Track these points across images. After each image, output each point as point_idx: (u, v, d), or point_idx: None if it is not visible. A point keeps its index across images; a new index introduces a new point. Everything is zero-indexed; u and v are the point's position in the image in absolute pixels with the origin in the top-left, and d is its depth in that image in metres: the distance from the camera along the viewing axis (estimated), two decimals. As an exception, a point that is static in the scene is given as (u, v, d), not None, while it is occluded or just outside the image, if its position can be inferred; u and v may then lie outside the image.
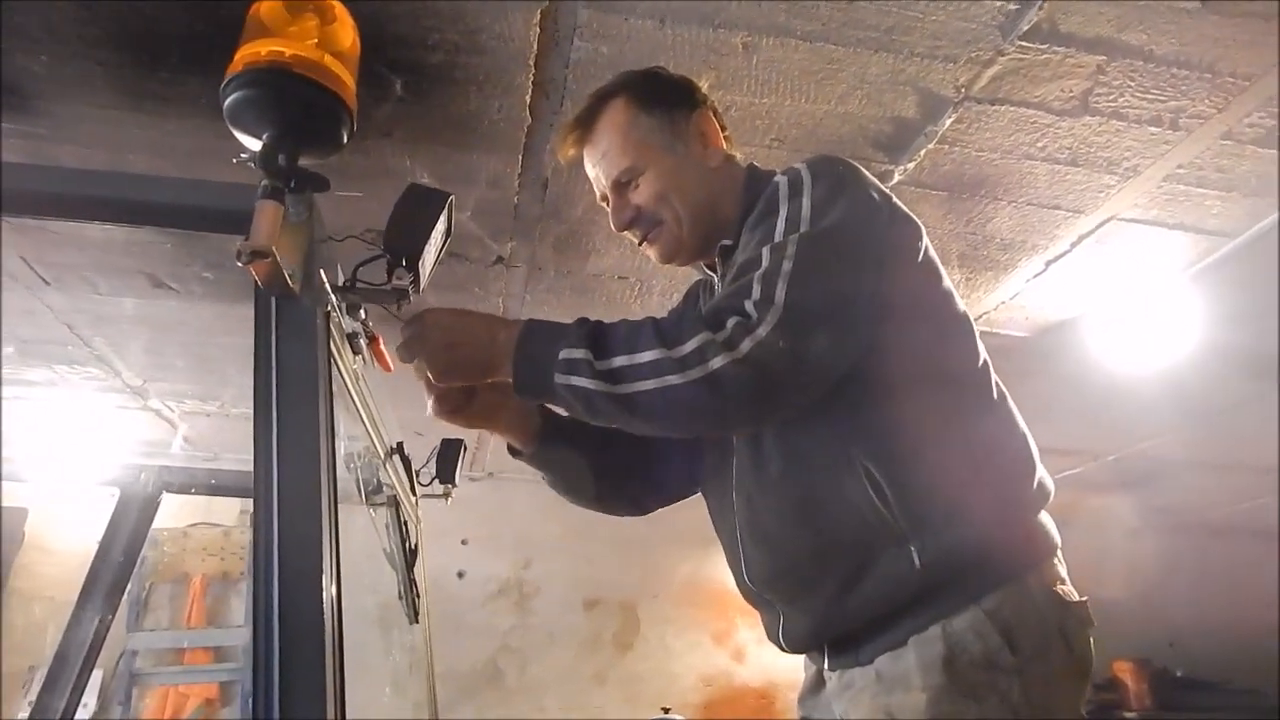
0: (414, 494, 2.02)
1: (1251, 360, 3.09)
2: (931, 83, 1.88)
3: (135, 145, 2.04)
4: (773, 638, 1.26)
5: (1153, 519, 5.47)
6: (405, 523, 1.98)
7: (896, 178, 2.19)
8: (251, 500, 0.91)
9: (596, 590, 5.04)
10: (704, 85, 1.36)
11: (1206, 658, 4.95)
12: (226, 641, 4.30)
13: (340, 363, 1.16)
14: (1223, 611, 5.04)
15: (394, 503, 1.87)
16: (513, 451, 1.36)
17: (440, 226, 1.13)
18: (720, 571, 4.55)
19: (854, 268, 1.07)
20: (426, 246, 1.10)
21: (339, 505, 0.97)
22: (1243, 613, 4.95)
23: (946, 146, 2.09)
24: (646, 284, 2.80)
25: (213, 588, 4.43)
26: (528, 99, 1.91)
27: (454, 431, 1.86)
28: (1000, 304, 2.87)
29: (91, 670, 2.20)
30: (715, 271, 1.31)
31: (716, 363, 0.98)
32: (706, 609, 5.06)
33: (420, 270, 1.10)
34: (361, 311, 1.20)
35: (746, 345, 0.99)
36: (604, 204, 1.32)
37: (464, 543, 4.94)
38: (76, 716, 2.19)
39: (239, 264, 0.86)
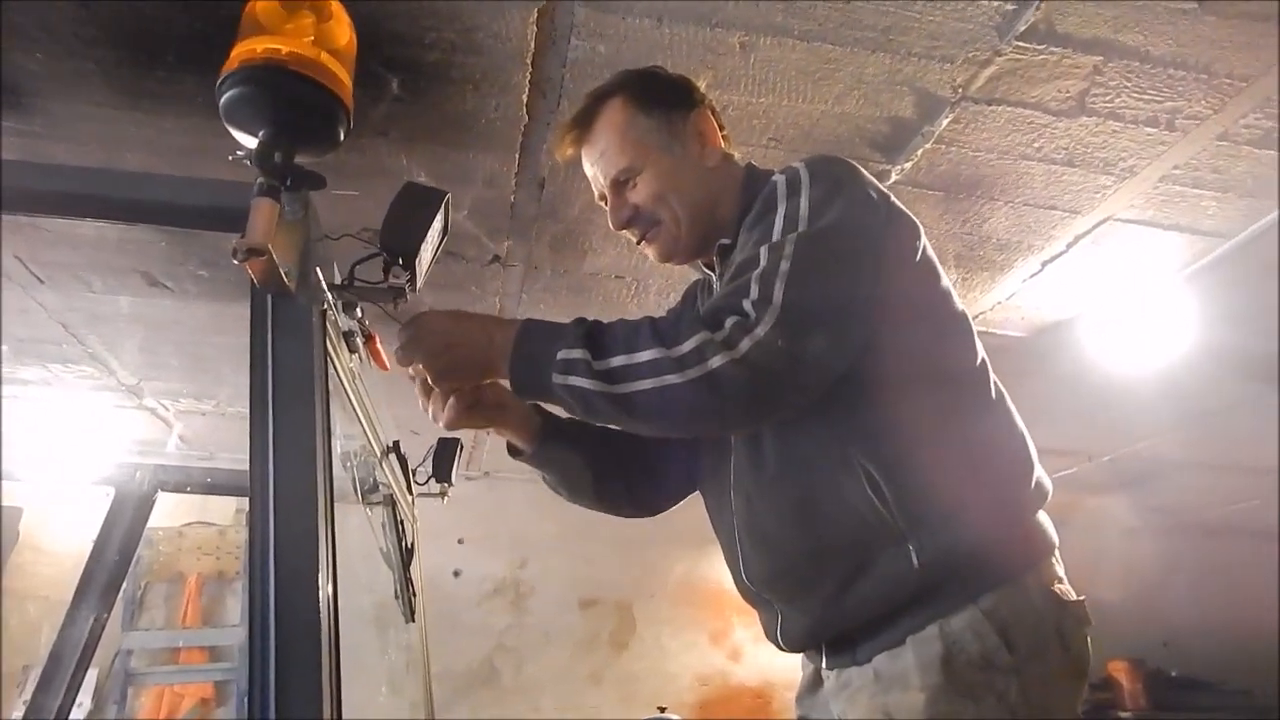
0: (410, 493, 2.02)
1: (1247, 361, 3.10)
2: (928, 83, 1.88)
3: (131, 143, 2.03)
4: (771, 637, 1.26)
5: (1148, 519, 5.48)
6: (401, 522, 1.98)
7: (893, 178, 2.19)
8: (247, 499, 0.91)
9: (593, 590, 5.04)
10: (701, 85, 1.36)
11: (1201, 658, 4.96)
12: (222, 641, 4.29)
13: (336, 361, 1.15)
14: (1218, 612, 5.05)
15: (390, 502, 1.87)
16: (512, 451, 1.35)
17: (437, 225, 1.13)
18: (716, 571, 4.57)
19: (852, 267, 1.07)
20: (423, 245, 1.09)
21: (335, 504, 0.97)
22: (1238, 613, 4.96)
23: (943, 147, 2.09)
24: (643, 283, 2.79)
25: (208, 587, 4.43)
26: (524, 98, 1.91)
27: (451, 430, 1.86)
28: (996, 304, 2.88)
29: (86, 670, 2.20)
30: (713, 271, 1.31)
31: (715, 362, 0.98)
32: (703, 609, 5.06)
33: (417, 269, 1.10)
34: (358, 310, 1.20)
35: (745, 345, 0.98)
36: (602, 203, 1.31)
37: (460, 542, 4.94)
38: (71, 716, 2.18)
39: (235, 262, 0.86)
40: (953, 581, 1.06)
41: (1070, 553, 1.17)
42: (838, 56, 1.81)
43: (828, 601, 1.13)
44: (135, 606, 4.25)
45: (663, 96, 1.29)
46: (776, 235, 1.08)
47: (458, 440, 2.00)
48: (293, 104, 0.95)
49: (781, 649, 1.25)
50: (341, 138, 1.02)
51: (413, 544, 2.07)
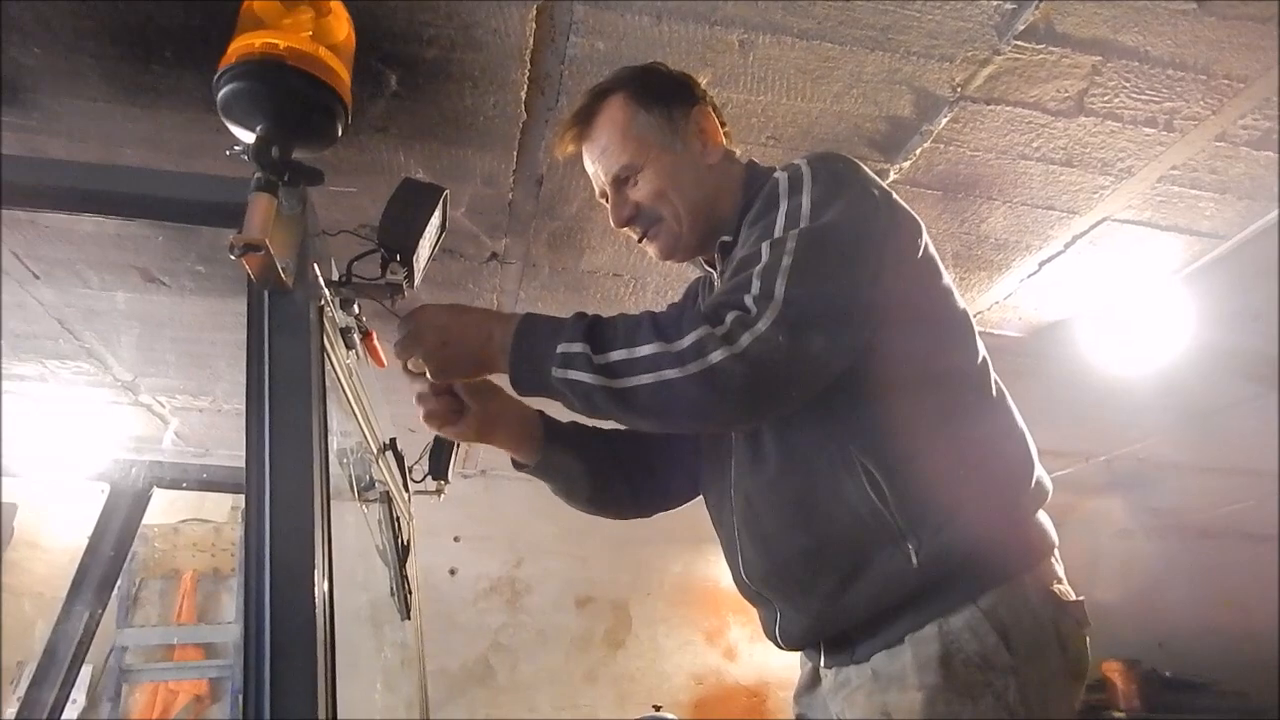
0: (406, 490, 2.01)
1: (1244, 362, 3.11)
2: (927, 82, 1.88)
3: (128, 139, 2.02)
4: (769, 635, 1.26)
5: (1144, 520, 5.49)
6: (397, 519, 1.97)
7: (891, 177, 2.19)
8: (243, 496, 0.91)
9: (588, 588, 5.04)
10: (701, 82, 1.36)
11: (1196, 659, 4.97)
12: (217, 638, 4.28)
13: (333, 357, 1.15)
14: (1213, 613, 5.06)
15: (386, 499, 1.87)
16: (517, 464, 1.35)
17: (435, 221, 1.13)
18: (712, 570, 4.57)
19: (853, 264, 1.07)
20: (421, 241, 1.09)
21: (331, 501, 0.97)
22: (1233, 615, 4.97)
23: (942, 146, 2.09)
24: (641, 281, 2.79)
25: (203, 584, 4.42)
26: (523, 95, 1.91)
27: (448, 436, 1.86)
28: (994, 304, 2.88)
29: (81, 666, 2.19)
30: (715, 268, 1.31)
31: (715, 357, 0.98)
32: (698, 608, 5.06)
33: (414, 265, 1.10)
34: (355, 306, 1.20)
35: (745, 340, 0.98)
36: (603, 200, 1.31)
37: (456, 540, 4.93)
38: (66, 712, 2.17)
39: (232, 257, 0.85)
40: (951, 581, 1.06)
41: (1066, 553, 1.17)
42: (836, 55, 1.81)
43: (826, 600, 1.13)
44: (130, 603, 4.24)
45: (663, 93, 1.29)
46: (778, 231, 1.07)
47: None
48: (290, 99, 0.94)
49: (780, 647, 1.25)
50: (339, 133, 1.01)
51: (409, 541, 2.07)
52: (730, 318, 1.00)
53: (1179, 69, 1.83)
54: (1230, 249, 2.47)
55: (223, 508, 4.44)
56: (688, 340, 0.99)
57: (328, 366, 1.05)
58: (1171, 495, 4.98)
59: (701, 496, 1.38)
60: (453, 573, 4.91)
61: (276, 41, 0.93)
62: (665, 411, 1.03)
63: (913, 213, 1.19)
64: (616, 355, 1.01)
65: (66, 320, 3.01)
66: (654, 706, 4.49)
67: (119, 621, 4.10)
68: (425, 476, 1.96)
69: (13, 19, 1.66)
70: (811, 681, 1.26)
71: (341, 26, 1.03)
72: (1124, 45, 1.77)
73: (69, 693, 2.16)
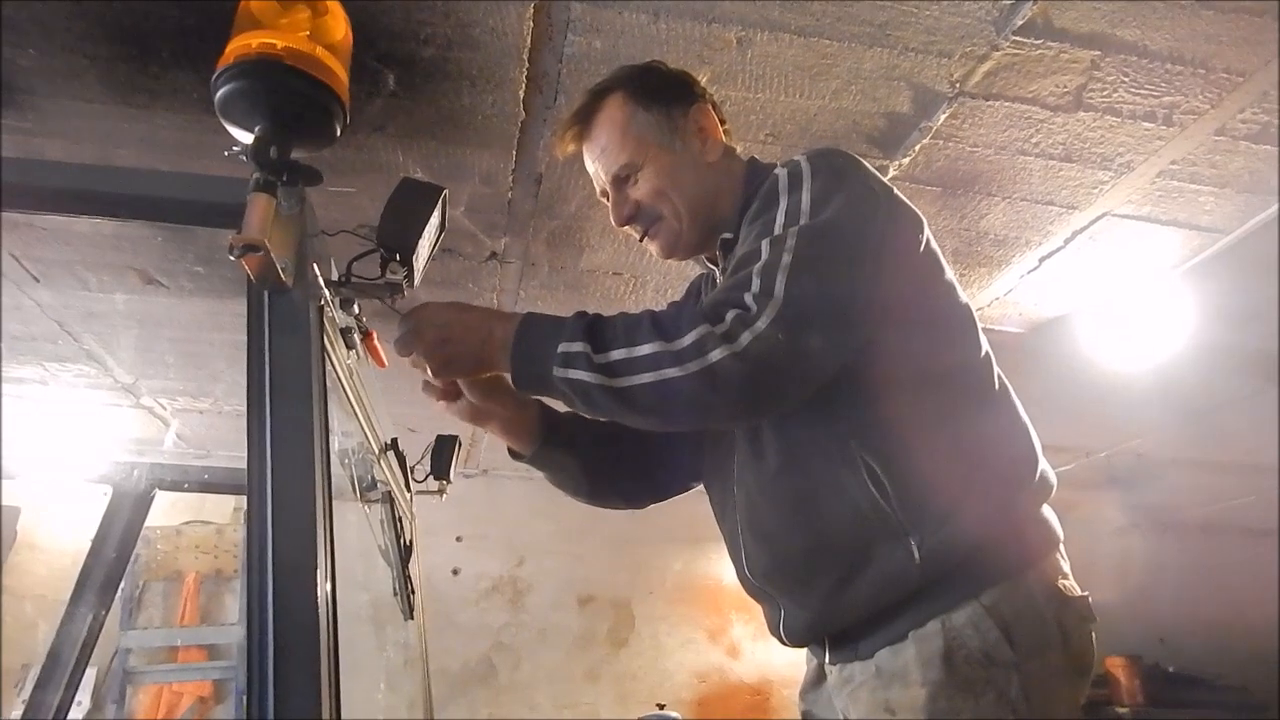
0: (408, 490, 2.01)
1: (1244, 358, 3.10)
2: (926, 78, 1.88)
3: (125, 140, 2.02)
4: (774, 631, 1.26)
5: (1144, 516, 5.49)
6: (399, 519, 1.97)
7: (891, 173, 2.19)
8: (245, 497, 0.90)
9: (590, 587, 5.04)
10: (700, 80, 1.36)
11: (1198, 654, 4.97)
12: (220, 639, 4.29)
13: (334, 357, 1.15)
14: (1215, 608, 5.06)
15: (388, 499, 1.87)
16: (513, 454, 1.35)
17: (434, 221, 1.12)
18: (715, 568, 4.57)
19: (853, 261, 1.07)
20: (420, 241, 1.09)
21: (333, 501, 0.97)
22: (1234, 610, 4.97)
23: (941, 142, 2.09)
24: (640, 279, 2.79)
25: (206, 586, 4.43)
26: (521, 94, 1.91)
27: (448, 427, 1.86)
28: (994, 300, 2.88)
29: (85, 668, 2.19)
30: (716, 265, 1.31)
31: (715, 355, 0.98)
32: (700, 606, 5.06)
33: (414, 264, 1.09)
34: (355, 306, 1.19)
35: (745, 338, 0.98)
36: (603, 199, 1.31)
37: (458, 540, 4.94)
38: (71, 714, 2.18)
39: (231, 257, 0.85)
40: (954, 577, 1.06)
41: (1067, 549, 1.17)
42: (834, 52, 1.80)
43: (829, 596, 1.13)
44: (133, 605, 4.25)
45: (663, 91, 1.29)
46: (778, 229, 1.07)
47: (456, 437, 1.99)
48: (288, 99, 0.94)
49: (784, 643, 1.25)
50: (338, 133, 1.01)
51: (411, 541, 2.07)
52: (730, 316, 1.00)
53: (1178, 63, 1.82)
54: (1230, 244, 2.47)
55: (224, 509, 4.44)
56: (688, 339, 0.99)
57: (328, 366, 1.05)
58: (1172, 491, 4.98)
59: (703, 491, 1.38)
60: (455, 572, 4.91)
61: (274, 41, 0.93)
62: (665, 410, 1.03)
63: (914, 208, 1.19)
64: (616, 354, 1.01)
65: (66, 322, 3.01)
66: (657, 705, 4.49)
67: (123, 624, 4.11)
68: (427, 476, 1.96)
69: (9, 20, 1.66)
70: (817, 678, 1.26)
71: (339, 26, 1.03)
72: (1122, 40, 1.77)
73: (73, 695, 2.16)
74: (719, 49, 1.79)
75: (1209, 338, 2.87)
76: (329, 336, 1.09)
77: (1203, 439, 4.04)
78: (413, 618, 2.13)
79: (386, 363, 1.34)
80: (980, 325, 1.21)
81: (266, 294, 0.96)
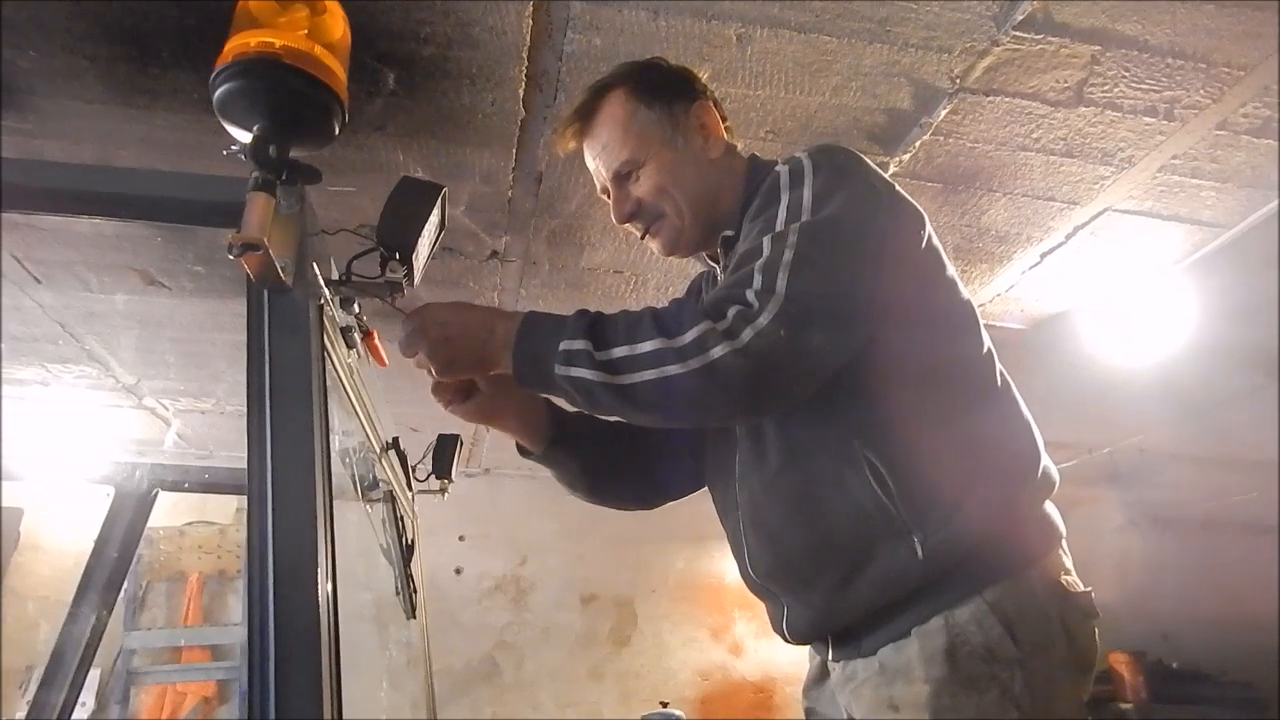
0: (410, 489, 2.01)
1: (1246, 353, 3.10)
2: (926, 74, 1.87)
3: (125, 140, 2.02)
4: (777, 629, 1.26)
5: (1146, 512, 5.48)
6: (401, 518, 1.98)
7: (891, 170, 2.19)
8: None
9: (593, 586, 5.04)
10: (701, 77, 1.36)
11: (1202, 650, 4.96)
12: (223, 640, 4.30)
13: (334, 357, 1.15)
14: (1218, 605, 5.05)
15: (390, 498, 1.87)
16: (522, 451, 1.35)
17: (434, 219, 1.12)
18: (717, 566, 4.56)
19: (855, 257, 1.07)
20: (420, 239, 1.09)
21: (335, 500, 0.97)
22: (1238, 606, 4.97)
23: (941, 138, 2.08)
24: (641, 278, 2.79)
25: (209, 586, 4.43)
26: (521, 92, 1.90)
27: (450, 427, 1.86)
28: (996, 296, 2.87)
29: (88, 668, 2.19)
30: (717, 263, 1.31)
31: (717, 352, 0.98)
32: (703, 604, 5.06)
33: (414, 263, 1.09)
34: (355, 306, 1.19)
35: (747, 335, 0.98)
36: (604, 197, 1.31)
37: (461, 539, 4.94)
38: (74, 714, 2.18)
39: (231, 257, 0.85)
40: (957, 573, 1.06)
41: (1070, 545, 1.17)
42: (834, 48, 1.80)
43: (832, 594, 1.13)
44: (137, 606, 4.25)
45: (664, 88, 1.29)
46: (780, 225, 1.07)
47: (457, 437, 2.00)
48: (287, 98, 0.94)
49: (787, 641, 1.25)
50: (336, 132, 1.01)
51: (413, 540, 2.07)
52: (732, 313, 1.00)
53: (1179, 57, 1.82)
54: (1232, 238, 2.46)
55: (227, 509, 4.45)
56: (689, 336, 0.99)
57: (328, 366, 1.05)
58: (1174, 487, 4.97)
59: (706, 490, 1.38)
60: (458, 571, 4.92)
61: (272, 40, 0.93)
62: (667, 407, 1.03)
63: (915, 204, 1.19)
64: (619, 352, 1.01)
65: (67, 323, 3.01)
66: (660, 703, 4.49)
67: (126, 624, 4.11)
68: (429, 476, 1.96)
69: (9, 21, 1.66)
70: (820, 675, 1.26)
71: (337, 25, 1.03)
72: (1123, 34, 1.76)
73: (77, 695, 2.17)
74: (719, 46, 1.79)
75: (1211, 333, 2.87)
76: (329, 336, 1.09)
77: (1205, 435, 4.04)
78: (415, 617, 2.13)
79: (387, 361, 1.35)
80: (982, 322, 1.21)
81: (266, 293, 0.96)
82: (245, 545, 0.88)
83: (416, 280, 1.13)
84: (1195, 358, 3.04)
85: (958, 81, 1.89)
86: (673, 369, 0.99)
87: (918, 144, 2.10)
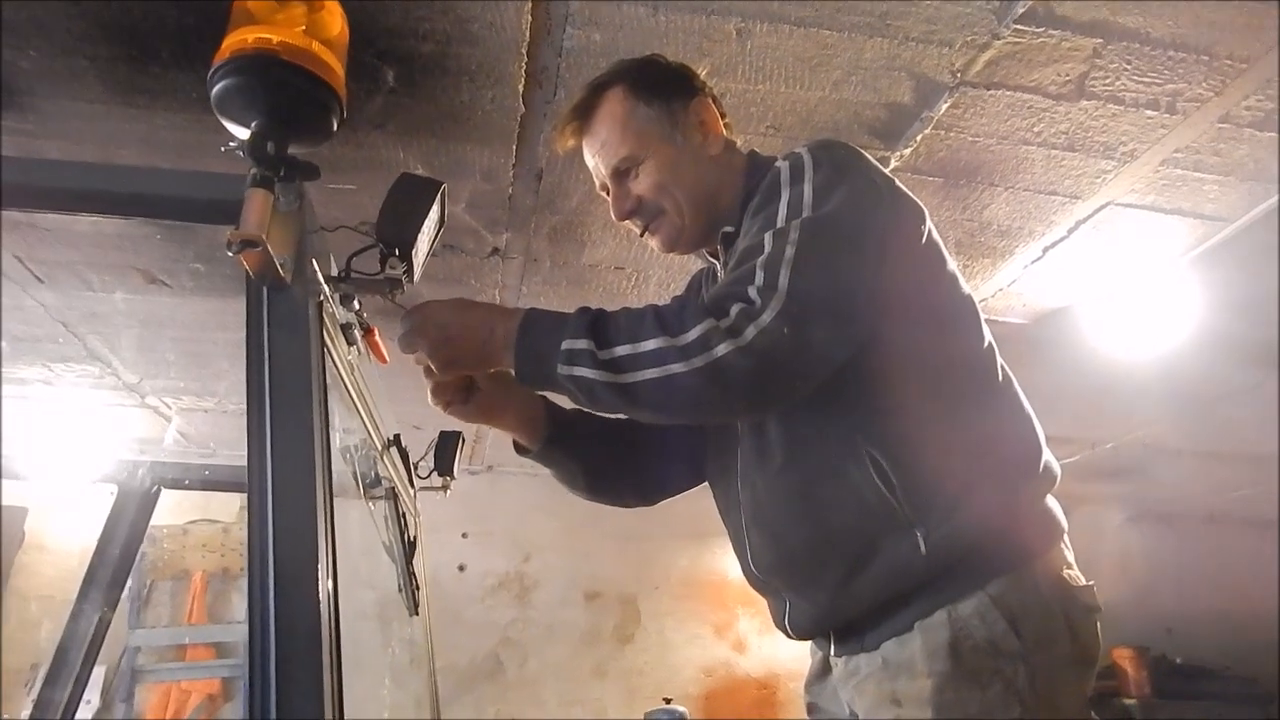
0: (412, 486, 2.01)
1: (1249, 347, 3.09)
2: (927, 68, 1.87)
3: (126, 140, 2.02)
4: (779, 625, 1.26)
5: (1150, 507, 5.47)
6: (404, 515, 1.98)
7: (892, 164, 2.18)
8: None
9: (596, 583, 5.04)
10: (699, 73, 1.36)
11: (1205, 645, 4.96)
12: (227, 638, 4.30)
13: (334, 354, 1.15)
14: (1221, 599, 5.06)
15: (392, 495, 1.87)
16: (519, 449, 1.35)
17: (433, 215, 1.12)
18: (720, 563, 4.56)
19: (857, 252, 1.06)
20: (419, 235, 1.09)
21: (335, 498, 0.97)
22: (1241, 601, 4.97)
23: (942, 132, 2.08)
24: (643, 274, 2.79)
25: (213, 584, 4.44)
26: (520, 89, 1.90)
27: (452, 424, 1.86)
28: (998, 291, 2.87)
29: (93, 666, 2.20)
30: (718, 259, 1.31)
31: (720, 350, 0.98)
32: (707, 601, 5.06)
33: (414, 259, 1.09)
34: (356, 303, 1.19)
35: (751, 332, 0.98)
36: (604, 194, 1.31)
37: (464, 536, 4.95)
38: (80, 713, 2.19)
39: (230, 253, 0.85)
40: (960, 568, 1.06)
41: (1073, 540, 1.17)
42: (835, 42, 1.79)
43: (835, 589, 1.13)
44: (141, 604, 4.26)
45: (663, 85, 1.29)
46: (781, 221, 1.07)
47: (459, 434, 1.99)
48: (284, 94, 0.94)
49: (789, 637, 1.25)
50: (335, 128, 1.01)
51: (415, 537, 2.07)
52: (734, 310, 1.00)
53: (1181, 50, 1.81)
54: (1235, 232, 2.45)
55: (230, 508, 4.45)
56: (692, 334, 0.99)
57: (328, 363, 1.05)
58: (1178, 482, 4.96)
59: (707, 487, 1.38)
60: (461, 569, 4.92)
61: (270, 36, 0.93)
62: (670, 405, 1.03)
63: (916, 199, 1.19)
64: (621, 350, 1.01)
65: (70, 323, 3.02)
66: (664, 699, 4.49)
67: (131, 622, 4.12)
68: (431, 473, 1.96)
69: (8, 21, 1.66)
70: (822, 671, 1.26)
71: (335, 21, 1.03)
72: (1124, 27, 1.75)
73: (81, 693, 2.17)
74: (718, 41, 1.78)
75: (1214, 327, 2.86)
76: (329, 333, 1.09)
77: (1208, 429, 4.03)
78: (418, 614, 2.13)
79: (388, 359, 1.35)
80: (983, 316, 1.21)
81: (265, 290, 0.95)
82: (245, 543, 0.88)
83: (416, 276, 1.13)
84: (1198, 352, 3.03)
85: (959, 75, 1.89)
86: (676, 367, 0.98)
87: (919, 138, 2.09)
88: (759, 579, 1.24)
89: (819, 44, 1.80)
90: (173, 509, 4.26)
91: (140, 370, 3.50)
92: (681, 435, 1.36)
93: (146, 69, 1.80)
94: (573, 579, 5.02)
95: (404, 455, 1.88)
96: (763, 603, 1.30)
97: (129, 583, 2.99)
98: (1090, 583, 1.13)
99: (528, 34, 1.75)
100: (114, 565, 2.24)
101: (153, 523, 2.37)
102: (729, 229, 1.23)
